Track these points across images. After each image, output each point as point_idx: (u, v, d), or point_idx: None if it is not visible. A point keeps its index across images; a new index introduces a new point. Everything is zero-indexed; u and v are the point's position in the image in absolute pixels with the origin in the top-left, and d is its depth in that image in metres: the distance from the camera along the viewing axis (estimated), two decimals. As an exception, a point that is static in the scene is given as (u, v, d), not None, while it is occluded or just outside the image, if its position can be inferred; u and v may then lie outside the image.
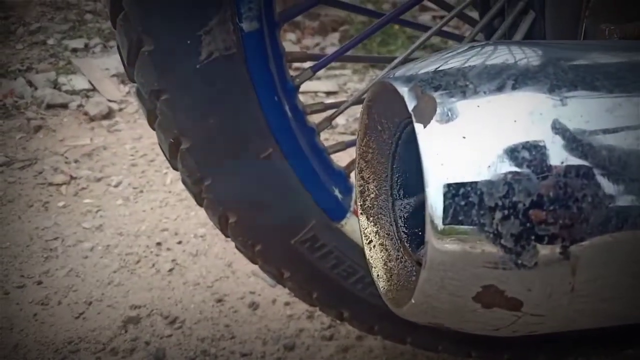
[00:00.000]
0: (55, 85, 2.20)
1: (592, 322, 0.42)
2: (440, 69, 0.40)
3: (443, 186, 0.35)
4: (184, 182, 0.76)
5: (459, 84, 0.38)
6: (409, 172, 0.48)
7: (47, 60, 2.44)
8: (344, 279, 0.81)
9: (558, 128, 0.36)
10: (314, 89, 2.31)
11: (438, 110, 0.37)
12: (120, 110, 2.09)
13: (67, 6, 2.98)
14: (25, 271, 1.30)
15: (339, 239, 0.78)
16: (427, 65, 0.41)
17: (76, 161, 1.76)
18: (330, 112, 0.80)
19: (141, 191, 1.62)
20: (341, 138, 1.93)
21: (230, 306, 1.20)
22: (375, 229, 0.50)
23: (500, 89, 0.37)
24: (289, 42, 2.73)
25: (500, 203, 0.35)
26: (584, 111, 0.36)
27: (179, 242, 1.40)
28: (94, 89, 2.21)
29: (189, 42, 0.64)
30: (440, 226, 0.35)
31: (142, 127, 1.97)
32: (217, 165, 0.71)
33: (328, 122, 0.79)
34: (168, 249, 1.38)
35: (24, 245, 1.39)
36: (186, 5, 0.63)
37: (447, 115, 0.36)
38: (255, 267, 0.85)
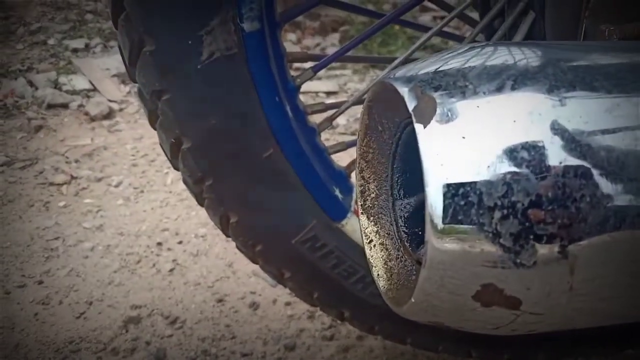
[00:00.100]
0: (56, 85, 2.21)
1: (590, 321, 0.42)
2: (440, 69, 0.40)
3: (443, 186, 0.35)
4: (185, 182, 0.76)
5: (459, 84, 0.38)
6: (409, 172, 0.48)
7: (47, 60, 2.44)
8: (345, 279, 0.81)
9: (557, 128, 0.36)
10: (315, 89, 2.31)
11: (438, 111, 0.37)
12: (121, 110, 2.09)
13: (68, 6, 2.98)
14: (26, 271, 1.30)
15: (339, 239, 0.78)
16: (427, 66, 0.41)
17: (77, 161, 1.76)
18: (330, 112, 0.80)
19: (142, 191, 1.62)
20: (342, 138, 1.93)
21: (231, 306, 1.21)
22: (376, 229, 0.50)
23: (499, 89, 0.37)
24: (290, 42, 2.73)
25: (499, 203, 0.35)
26: (583, 111, 0.37)
27: (180, 242, 1.41)
28: (94, 89, 2.22)
29: (190, 42, 0.64)
30: (440, 225, 0.36)
31: (142, 127, 1.97)
32: (218, 165, 0.72)
33: (329, 122, 0.79)
34: (169, 249, 1.38)
35: (25, 245, 1.39)
36: (187, 6, 0.63)
37: (447, 115, 0.37)
38: (256, 267, 0.85)
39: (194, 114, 0.68)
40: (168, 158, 0.75)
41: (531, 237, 0.35)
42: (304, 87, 0.79)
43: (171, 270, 1.31)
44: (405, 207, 0.48)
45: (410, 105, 0.38)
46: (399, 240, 0.49)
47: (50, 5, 2.96)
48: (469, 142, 0.36)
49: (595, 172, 0.36)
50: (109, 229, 1.45)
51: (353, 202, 0.79)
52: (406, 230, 0.48)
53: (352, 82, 2.41)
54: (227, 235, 0.79)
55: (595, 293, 0.38)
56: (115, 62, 2.37)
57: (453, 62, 0.41)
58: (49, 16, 2.86)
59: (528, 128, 0.36)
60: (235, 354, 1.09)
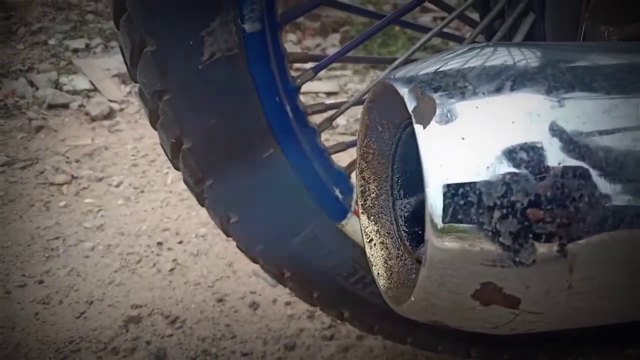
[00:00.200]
0: (57, 86, 2.21)
1: (589, 319, 0.42)
2: (440, 70, 0.40)
3: (442, 186, 0.36)
4: (185, 182, 0.76)
5: (459, 85, 0.38)
6: (409, 172, 0.49)
7: (48, 60, 2.45)
8: (345, 279, 0.81)
9: (555, 129, 0.36)
10: (315, 89, 2.31)
11: (437, 112, 0.37)
12: (122, 110, 2.10)
13: (69, 6, 2.98)
14: (27, 270, 1.30)
15: (339, 239, 0.79)
16: (427, 67, 0.41)
17: (77, 161, 1.77)
18: (331, 112, 0.80)
19: (142, 191, 1.63)
20: (342, 138, 1.94)
21: (231, 306, 1.21)
22: (376, 228, 0.51)
23: (498, 90, 0.38)
24: (290, 42, 2.74)
25: (498, 202, 0.35)
26: (582, 112, 0.37)
27: (180, 242, 1.41)
28: (95, 89, 2.22)
29: (191, 42, 0.64)
30: (440, 225, 0.36)
31: (143, 127, 1.98)
32: (218, 166, 0.72)
33: (329, 122, 0.80)
34: (169, 249, 1.39)
35: (25, 244, 1.39)
36: (189, 7, 0.63)
37: (447, 116, 0.37)
38: (256, 267, 0.86)
39: (194, 114, 0.68)
40: (169, 158, 0.75)
41: (530, 236, 0.35)
42: (304, 88, 0.80)
43: (171, 269, 1.31)
44: (405, 207, 0.48)
45: (410, 106, 0.38)
46: (399, 240, 0.49)
47: (51, 6, 2.97)
48: (469, 142, 0.36)
49: (593, 173, 0.36)
50: (110, 229, 1.46)
51: (353, 203, 0.79)
52: (406, 230, 0.48)
53: (352, 82, 2.41)
54: (228, 235, 0.79)
55: (594, 292, 0.38)
56: (115, 62, 2.38)
57: (453, 62, 0.41)
58: (49, 16, 2.87)
59: (527, 129, 0.36)
60: (235, 353, 1.09)
